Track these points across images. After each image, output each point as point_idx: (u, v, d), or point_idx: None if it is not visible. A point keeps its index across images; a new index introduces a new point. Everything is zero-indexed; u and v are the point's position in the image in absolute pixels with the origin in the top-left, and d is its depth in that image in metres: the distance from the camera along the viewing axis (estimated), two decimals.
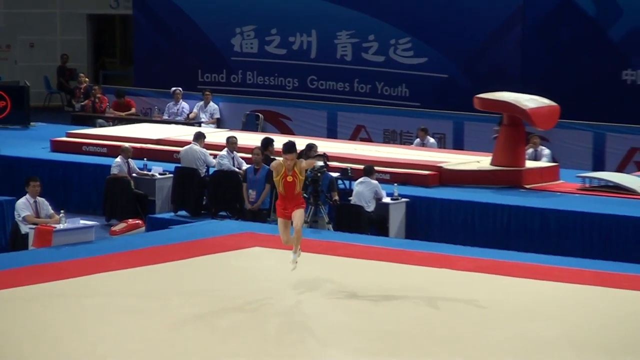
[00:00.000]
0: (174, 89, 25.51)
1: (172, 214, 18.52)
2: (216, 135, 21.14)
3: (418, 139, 22.13)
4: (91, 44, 32.27)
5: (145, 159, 19.84)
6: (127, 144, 19.70)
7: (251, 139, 20.22)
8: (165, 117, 25.22)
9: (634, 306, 12.74)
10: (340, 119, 25.28)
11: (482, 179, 18.99)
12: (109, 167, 19.25)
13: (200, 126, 23.69)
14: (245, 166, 18.55)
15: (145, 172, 19.46)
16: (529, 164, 19.57)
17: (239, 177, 18.34)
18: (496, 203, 17.72)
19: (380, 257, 14.68)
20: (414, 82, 25.54)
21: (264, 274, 13.73)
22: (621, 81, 23.73)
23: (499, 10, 24.53)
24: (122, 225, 18.03)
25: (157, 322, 11.89)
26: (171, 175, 19.12)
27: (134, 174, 19.23)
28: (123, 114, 25.33)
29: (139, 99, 26.77)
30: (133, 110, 25.72)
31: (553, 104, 19.35)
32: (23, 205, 16.19)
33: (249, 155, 18.52)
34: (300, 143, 19.49)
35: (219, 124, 25.06)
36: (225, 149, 18.86)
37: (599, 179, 19.12)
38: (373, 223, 17.53)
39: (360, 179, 17.71)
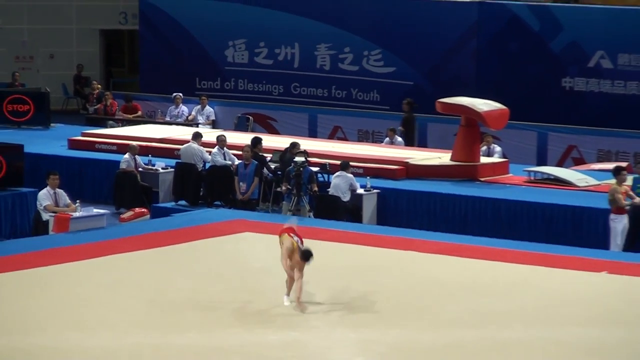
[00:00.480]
0: (174, 94, 25.44)
1: (174, 203, 18.47)
2: (212, 135, 21.05)
3: (387, 138, 22.09)
4: (103, 55, 32.19)
5: (150, 155, 19.77)
6: (134, 143, 19.63)
7: (242, 138, 20.18)
8: (167, 119, 25.14)
9: (573, 284, 12.77)
10: (320, 120, 25.25)
11: (443, 173, 18.98)
12: (118, 162, 19.19)
13: (197, 127, 23.59)
14: (236, 161, 18.52)
15: (150, 167, 19.40)
16: (483, 159, 19.56)
17: (231, 171, 18.33)
18: (455, 194, 17.72)
19: (355, 241, 14.67)
20: (384, 88, 25.54)
21: (253, 256, 13.71)
22: (561, 87, 23.77)
23: (457, 27, 24.58)
24: (130, 213, 17.96)
25: (161, 297, 11.86)
26: (172, 169, 19.07)
27: (140, 169, 19.17)
28: (131, 116, 25.23)
29: (144, 103, 26.67)
30: (139, 113, 25.64)
31: (503, 107, 19.36)
32: (44, 196, 16.15)
33: (240, 152, 18.48)
34: (285, 142, 19.51)
35: (214, 125, 24.98)
36: (217, 146, 18.84)
37: (542, 173, 19.15)
38: (348, 211, 17.52)
39: (337, 173, 17.69)
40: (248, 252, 13.99)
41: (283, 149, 18.66)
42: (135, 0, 28.93)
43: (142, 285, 12.36)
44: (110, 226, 16.06)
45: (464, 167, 19.00)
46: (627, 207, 15.84)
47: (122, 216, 17.98)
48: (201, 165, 18.86)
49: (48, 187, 16.18)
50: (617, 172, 16.14)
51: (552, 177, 18.77)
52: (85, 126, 24.02)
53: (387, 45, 25.51)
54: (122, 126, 23.92)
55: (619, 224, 15.79)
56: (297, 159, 17.33)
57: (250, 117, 25.70)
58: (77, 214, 15.70)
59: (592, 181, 18.47)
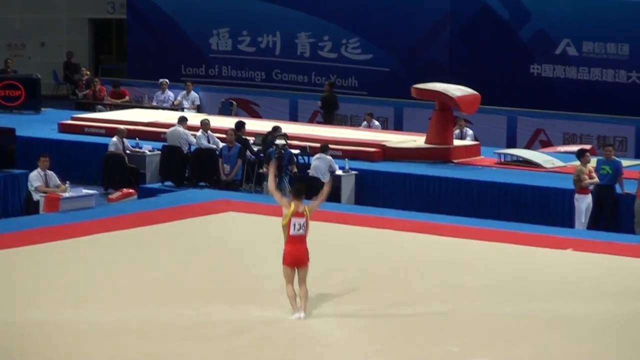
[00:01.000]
0: (161, 80, 25.32)
1: (160, 184, 18.41)
2: (196, 119, 20.94)
3: (365, 122, 22.07)
4: (92, 43, 32.02)
5: (137, 138, 19.69)
6: (122, 126, 19.54)
7: (226, 122, 20.12)
8: (154, 103, 25.02)
9: (539, 260, 12.80)
10: (300, 105, 25.20)
11: (418, 155, 18.97)
12: (106, 145, 19.10)
13: (183, 111, 23.48)
14: (220, 144, 18.47)
15: (137, 149, 19.33)
16: (456, 142, 19.56)
17: (216, 153, 18.28)
18: (429, 175, 17.72)
19: (334, 220, 14.64)
20: (361, 74, 25.51)
21: (237, 234, 13.67)
22: (529, 74, 23.82)
23: (431, 16, 24.57)
24: (118, 193, 17.88)
25: (147, 272, 11.82)
26: (159, 152, 19.00)
27: (127, 151, 19.08)
28: (118, 101, 25.11)
29: (132, 88, 26.53)
30: (127, 98, 25.52)
31: (475, 92, 19.35)
32: (35, 177, 16.09)
33: (224, 136, 18.43)
34: (267, 125, 19.45)
35: (199, 109, 24.87)
36: (201, 130, 18.79)
37: (512, 155, 19.18)
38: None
39: (317, 155, 17.66)
40: (232, 230, 13.94)
41: (265, 133, 18.61)
42: None
43: (129, 262, 12.30)
44: (98, 206, 15.98)
45: (438, 150, 19.00)
46: (591, 187, 15.88)
47: (111, 196, 17.89)
48: (186, 148, 18.80)
49: (39, 169, 16.11)
50: (581, 155, 16.17)
51: (520, 159, 18.80)
52: (74, 111, 23.90)
53: (365, 34, 25.49)
54: (110, 111, 23.81)
55: (583, 204, 15.83)
56: (277, 141, 17.30)
57: (234, 102, 25.63)
58: (66, 195, 15.63)
59: (558, 163, 18.52)
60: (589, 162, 16.14)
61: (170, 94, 25.10)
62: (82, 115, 22.17)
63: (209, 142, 18.69)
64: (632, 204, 15.98)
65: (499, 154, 19.21)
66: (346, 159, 18.20)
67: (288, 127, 19.43)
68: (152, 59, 27.62)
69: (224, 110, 25.12)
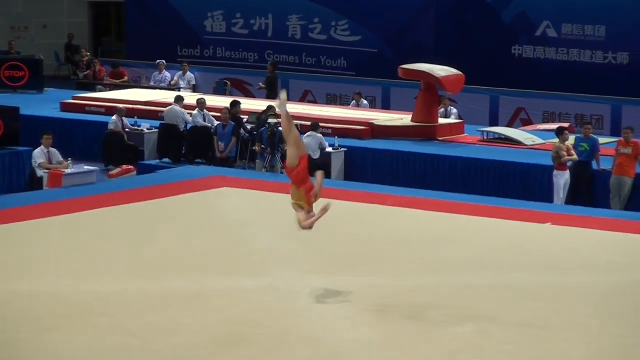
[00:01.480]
0: (158, 61, 25.22)
1: (158, 161, 18.38)
2: (192, 99, 20.89)
3: (354, 101, 22.03)
4: (92, 25, 31.85)
5: (135, 117, 19.66)
6: (121, 106, 19.50)
7: (221, 102, 20.08)
8: (152, 84, 24.94)
9: (520, 233, 12.80)
10: (292, 85, 25.11)
11: (405, 133, 18.94)
12: (107, 124, 19.05)
13: (179, 91, 23.39)
14: (215, 123, 18.44)
15: (136, 128, 19.29)
16: (441, 120, 19.54)
17: (211, 131, 18.24)
18: (415, 152, 17.71)
19: (324, 195, 14.54)
20: (350, 55, 25.45)
21: (231, 208, 13.64)
22: (511, 55, 23.80)
23: None
24: (117, 170, 17.84)
25: (147, 244, 11.79)
26: (157, 130, 18.97)
27: (126, 129, 19.04)
28: (118, 81, 25.03)
29: (130, 69, 26.44)
30: (126, 78, 25.44)
31: (459, 73, 19.30)
32: (38, 154, 16.05)
33: (219, 114, 18.40)
34: (261, 105, 19.39)
35: (195, 89, 24.80)
36: (197, 109, 18.74)
37: (494, 133, 19.16)
38: (318, 168, 17.37)
39: (308, 133, 17.63)
40: (226, 205, 13.91)
41: (259, 112, 18.57)
42: None
43: (129, 235, 12.27)
44: (99, 182, 15.97)
45: (424, 128, 18.97)
46: (569, 164, 15.88)
47: (111, 173, 17.86)
48: (183, 126, 18.77)
49: (42, 146, 16.08)
50: (560, 132, 16.16)
51: (502, 137, 18.79)
52: (76, 90, 23.83)
53: (353, 16, 25.41)
54: (109, 90, 23.72)
55: (562, 179, 15.84)
56: (270, 120, 17.26)
57: (228, 82, 25.55)
58: (69, 171, 15.62)
59: (538, 140, 18.51)
60: (567, 139, 16.13)
61: (167, 74, 25.01)
62: (83, 95, 22.10)
63: (204, 120, 18.66)
64: (608, 180, 16.00)
65: (482, 132, 19.19)
66: (336, 137, 18.17)
67: None
68: (150, 41, 27.51)
69: (219, 90, 25.06)
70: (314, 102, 24.23)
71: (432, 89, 19.18)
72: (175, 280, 10.55)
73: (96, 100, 21.44)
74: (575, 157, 15.92)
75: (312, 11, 25.86)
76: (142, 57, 27.18)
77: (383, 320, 9.45)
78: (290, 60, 26.29)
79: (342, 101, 24.09)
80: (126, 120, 19.14)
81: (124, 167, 17.93)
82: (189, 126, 18.78)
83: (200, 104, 18.84)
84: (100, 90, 23.83)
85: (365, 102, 22.21)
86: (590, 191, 16.22)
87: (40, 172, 15.92)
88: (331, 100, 24.39)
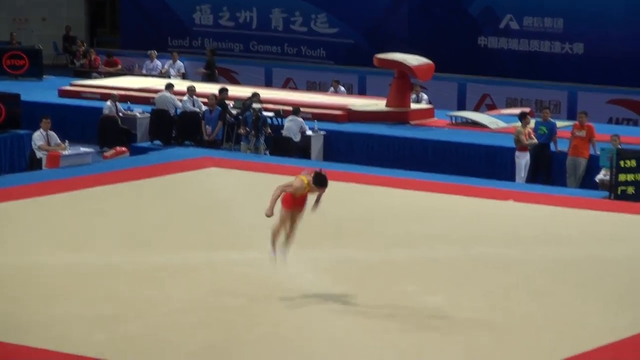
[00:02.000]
0: (150, 51, 25.05)
1: (150, 143, 18.29)
2: (182, 86, 20.78)
3: (332, 88, 21.97)
4: (88, 17, 31.59)
5: (128, 102, 19.52)
6: (115, 92, 19.36)
7: (208, 88, 19.97)
8: (144, 72, 24.77)
9: (485, 209, 12.80)
10: (274, 73, 25.04)
11: (379, 117, 18.90)
12: (101, 109, 18.92)
13: (170, 79, 23.25)
14: (203, 108, 18.35)
15: (129, 112, 19.16)
16: (413, 106, 19.50)
17: (199, 116, 18.18)
18: (389, 135, 17.68)
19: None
20: (329, 46, 25.37)
21: (219, 187, 13.57)
22: (477, 45, 23.81)
23: None
24: (112, 151, 17.69)
25: (139, 220, 11.72)
26: (148, 114, 18.87)
27: (120, 114, 18.91)
28: (112, 69, 24.83)
29: (124, 58, 26.25)
30: (119, 66, 25.26)
31: (430, 62, 19.25)
32: (38, 137, 15.92)
33: (207, 100, 18.33)
34: (247, 91, 19.29)
35: (184, 77, 24.66)
36: (187, 95, 18.67)
37: (462, 117, 19.15)
38: (299, 150, 17.41)
39: (290, 117, 17.56)
40: (214, 184, 13.83)
41: (244, 98, 18.52)
42: None
43: (123, 212, 12.18)
44: (95, 162, 15.87)
45: (397, 113, 18.94)
46: (529, 146, 15.90)
47: (105, 154, 17.72)
48: (173, 111, 18.68)
49: (41, 129, 15.95)
50: (522, 117, 16.18)
51: (469, 121, 18.78)
52: (72, 78, 23.62)
53: (332, 10, 25.34)
54: (104, 78, 23.56)
55: (522, 160, 15.86)
56: (254, 105, 17.20)
57: (215, 70, 25.41)
58: (66, 152, 15.52)
59: (501, 124, 18.52)
60: (529, 123, 16.15)
61: (158, 63, 24.84)
62: (79, 82, 21.94)
63: (193, 105, 18.59)
64: (564, 161, 16.04)
65: (451, 116, 19.18)
66: (315, 121, 18.11)
67: (263, 93, 19.29)
68: (142, 32, 27.32)
69: (206, 78, 24.90)
70: (295, 88, 24.13)
71: (404, 77, 19.13)
72: (166, 253, 10.49)
73: (91, 87, 21.30)
74: (534, 140, 15.93)
75: (293, 5, 25.75)
76: (134, 47, 26.99)
77: (359, 291, 9.42)
78: (273, 50, 26.18)
79: (321, 88, 24.02)
80: (120, 106, 19.01)
81: (118, 149, 17.80)
82: (178, 111, 18.68)
83: (191, 90, 18.80)
84: (96, 78, 23.64)
85: (342, 88, 22.14)
86: (549, 171, 16.26)
87: (39, 154, 15.78)
88: (311, 87, 24.31)
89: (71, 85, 21.54)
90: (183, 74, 24.76)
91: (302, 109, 18.02)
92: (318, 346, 8.07)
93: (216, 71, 23.74)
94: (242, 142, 17.37)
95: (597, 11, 22.57)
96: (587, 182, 15.59)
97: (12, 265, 9.96)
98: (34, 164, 15.90)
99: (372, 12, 24.62)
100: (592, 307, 9.10)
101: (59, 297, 9.08)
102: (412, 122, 18.83)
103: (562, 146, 16.20)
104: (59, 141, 15.92)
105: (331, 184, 14.05)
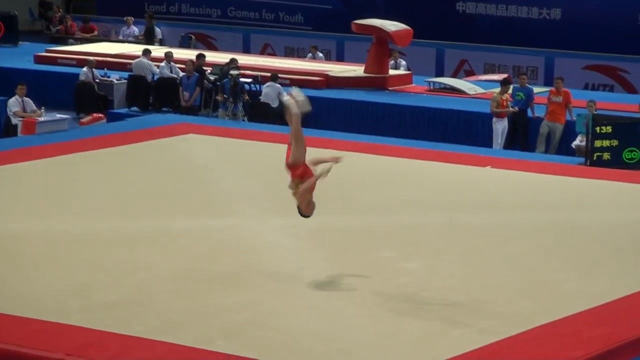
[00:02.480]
0: (126, 17, 24.78)
1: (126, 109, 18.17)
2: (159, 52, 20.61)
3: (310, 54, 21.85)
4: None
5: (105, 68, 19.40)
6: (91, 58, 19.19)
7: (185, 54, 19.82)
8: (120, 37, 24.54)
9: (463, 175, 12.81)
10: (252, 39, 24.85)
11: (358, 83, 18.85)
12: (78, 75, 18.76)
13: (146, 44, 23.04)
14: (181, 74, 18.23)
15: (105, 78, 19.02)
16: (391, 72, 19.45)
17: (177, 82, 18.05)
18: (368, 101, 17.63)
19: (283, 141, 14.41)
20: (307, 11, 25.19)
21: (197, 153, 13.49)
22: (455, 11, 23.72)
23: None
24: (88, 118, 17.57)
25: (116, 187, 11.64)
26: (125, 80, 18.72)
27: (97, 80, 18.77)
28: (88, 35, 24.60)
29: (100, 24, 26.00)
30: (96, 32, 25.02)
31: (408, 27, 19.17)
32: (13, 103, 15.76)
33: (184, 66, 18.20)
34: (223, 57, 19.14)
35: (161, 42, 24.43)
36: (164, 61, 18.52)
37: (440, 83, 19.13)
38: (277, 116, 17.31)
39: (268, 83, 17.48)
40: (192, 150, 13.74)
41: (222, 64, 18.42)
42: None
43: (100, 179, 12.08)
44: (71, 129, 15.73)
45: (375, 78, 18.88)
46: (506, 113, 15.89)
47: (82, 120, 17.58)
48: (150, 77, 18.55)
49: (17, 96, 15.80)
50: (504, 83, 16.19)
51: (447, 87, 18.76)
52: (48, 44, 23.40)
53: None
54: (80, 44, 23.32)
55: (500, 126, 15.87)
56: (232, 72, 17.11)
57: (193, 36, 25.18)
58: (42, 119, 15.39)
59: (479, 90, 18.52)
60: (507, 91, 16.13)
61: (134, 28, 24.61)
62: (55, 48, 21.75)
63: (171, 72, 18.48)
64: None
65: (429, 82, 19.15)
66: (293, 87, 17.98)
67: (241, 59, 19.19)
68: None
69: (184, 44, 24.70)
70: (273, 54, 23.99)
71: (383, 43, 19.04)
72: (144, 220, 10.41)
73: (68, 53, 21.11)
74: (509, 109, 15.92)
75: None
76: (111, 12, 26.70)
77: (337, 256, 9.41)
78: (251, 16, 25.95)
79: (299, 54, 23.87)
80: (96, 72, 18.86)
81: (95, 115, 17.66)
82: (155, 77, 18.54)
83: (168, 56, 18.68)
84: (72, 44, 23.40)
85: (320, 54, 22.03)
86: (526, 136, 16.28)
87: (15, 120, 15.61)
88: (289, 53, 24.15)
89: (47, 51, 21.32)
90: (160, 39, 24.54)
91: (280, 75, 17.93)
92: (296, 312, 8.06)
93: (157, 38, 23.43)
94: (219, 109, 17.30)
95: None
96: (564, 148, 15.62)
97: None
98: (10, 130, 15.74)
99: None
100: (568, 274, 9.13)
101: (34, 265, 9.01)
102: (390, 88, 18.78)
103: (539, 112, 16.21)
104: (34, 108, 15.76)
105: (309, 150, 14.03)
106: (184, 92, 17.77)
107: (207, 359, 7.17)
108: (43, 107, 15.82)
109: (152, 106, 18.19)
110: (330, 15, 24.68)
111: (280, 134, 14.93)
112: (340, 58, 23.39)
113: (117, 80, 18.99)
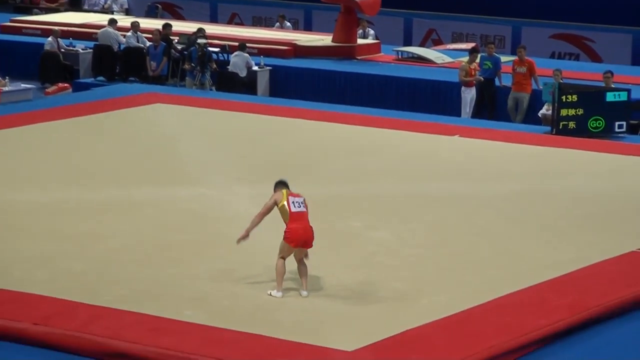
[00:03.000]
0: None
1: (92, 79, 17.93)
2: (125, 21, 20.34)
3: (278, 23, 21.67)
4: None
5: (70, 38, 19.08)
6: (56, 28, 18.89)
7: (152, 24, 19.57)
8: (86, 7, 24.19)
9: (431, 145, 12.81)
10: (220, 9, 24.57)
11: (326, 52, 18.71)
12: (43, 44, 18.45)
13: (112, 14, 22.72)
14: (148, 43, 18.00)
15: (71, 48, 18.74)
16: (359, 41, 19.32)
17: (143, 51, 17.84)
18: (336, 70, 17.53)
19: (251, 110, 14.41)
20: None
21: (164, 123, 13.37)
22: None
23: None
24: (54, 87, 17.32)
25: (82, 157, 11.53)
26: (91, 50, 18.47)
27: (62, 50, 18.48)
28: (53, 5, 24.22)
29: None
30: (61, 1, 24.60)
31: None
32: None
33: (151, 36, 17.98)
34: (192, 27, 18.94)
35: (127, 12, 24.11)
36: (131, 30, 18.29)
37: (408, 52, 19.05)
38: (245, 85, 17.21)
39: (236, 53, 17.33)
40: (159, 120, 13.63)
41: (189, 33, 18.22)
42: None
43: (66, 148, 11.95)
44: (36, 99, 15.52)
45: (343, 48, 18.77)
46: (474, 81, 15.89)
47: (47, 90, 17.33)
48: (116, 47, 18.30)
49: None
50: (472, 52, 16.17)
51: (415, 56, 18.70)
52: (13, 14, 23.03)
53: None
54: (45, 14, 22.96)
55: (468, 95, 15.86)
56: (199, 40, 16.93)
57: (159, 6, 24.85)
58: (6, 88, 15.18)
59: (447, 59, 18.47)
60: (475, 60, 16.12)
61: None
62: (20, 18, 21.40)
63: (137, 41, 18.25)
64: (508, 95, 16.08)
65: (397, 51, 19.07)
66: (261, 56, 17.89)
67: (209, 28, 18.99)
68: None
69: (150, 13, 24.37)
70: (240, 24, 23.76)
71: (351, 12, 18.91)
72: (111, 190, 10.32)
73: (33, 23, 20.77)
74: (476, 77, 15.91)
75: None
76: None
77: None
78: None
79: (267, 23, 23.67)
80: (61, 41, 18.58)
81: (60, 85, 17.41)
82: (122, 47, 18.31)
83: (135, 26, 18.43)
84: (37, 14, 23.03)
85: (288, 24, 21.86)
86: (494, 105, 16.30)
87: None
88: (257, 22, 23.95)
89: (12, 21, 20.97)
90: (126, 9, 24.22)
91: (248, 45, 17.77)
92: (265, 283, 8.04)
93: (123, 8, 23.14)
94: (187, 78, 17.14)
95: None
96: (531, 117, 15.67)
97: None
98: None
99: None
100: (535, 242, 9.19)
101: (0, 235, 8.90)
102: (359, 58, 18.68)
103: (506, 81, 16.23)
104: None
105: (277, 119, 13.99)
106: (151, 62, 17.57)
107: (175, 329, 7.14)
108: (7, 77, 15.58)
109: (118, 76, 17.97)
110: None
111: (248, 104, 14.87)
112: (308, 27, 23.23)
113: (82, 49, 18.72)
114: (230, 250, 8.61)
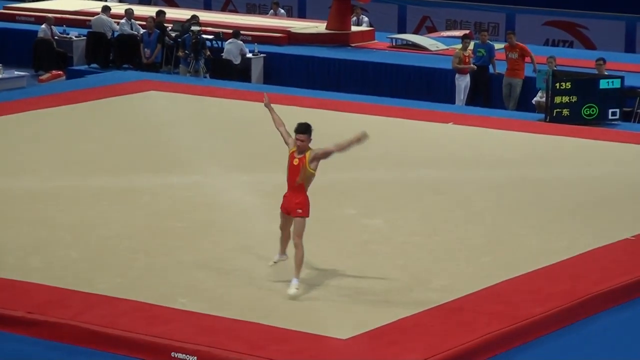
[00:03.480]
0: None
1: (86, 66, 17.88)
2: (119, 8, 20.26)
3: (272, 10, 21.61)
4: None
5: (64, 25, 19.05)
6: (50, 15, 18.84)
7: (146, 11, 19.51)
8: None
9: (425, 132, 12.78)
10: None
11: (320, 40, 18.68)
12: (36, 32, 18.41)
13: (106, 1, 22.60)
14: (141, 31, 17.96)
15: (64, 35, 18.68)
16: (354, 28, 19.30)
17: (137, 39, 17.79)
18: (330, 57, 17.51)
19: (245, 97, 14.36)
20: None
21: (156, 110, 13.33)
22: None
23: None
24: (47, 75, 17.27)
25: (77, 145, 11.49)
26: (85, 37, 18.41)
27: (56, 37, 18.43)
28: None
29: None
30: None
31: None
32: None
33: (144, 23, 17.93)
34: (186, 14, 18.87)
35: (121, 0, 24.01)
36: (125, 18, 18.23)
37: (403, 39, 19.03)
38: (239, 73, 17.18)
39: (230, 40, 17.29)
40: (153, 107, 13.58)
41: (183, 20, 18.17)
42: None
43: (61, 136, 11.91)
44: (30, 86, 15.46)
45: (338, 35, 18.74)
46: (469, 70, 15.86)
47: (41, 77, 17.28)
48: (110, 34, 18.24)
49: None
50: (465, 38, 16.13)
51: (410, 43, 18.68)
52: (6, 1, 22.86)
53: None
54: (39, 1, 22.83)
55: (462, 82, 15.85)
56: (193, 28, 16.89)
57: None
58: (0, 76, 15.09)
59: (441, 46, 18.45)
60: (468, 47, 16.09)
61: None
62: (13, 5, 21.34)
63: (131, 29, 18.20)
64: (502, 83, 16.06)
65: (391, 38, 19.04)
66: (255, 44, 17.85)
67: (204, 15, 18.95)
68: None
69: (144, 0, 24.28)
70: (234, 11, 23.69)
71: None
72: (105, 177, 10.29)
73: (26, 10, 20.70)
74: (470, 66, 15.88)
75: None
76: None
77: None
78: None
79: (261, 10, 23.61)
80: (55, 29, 18.52)
81: (54, 72, 17.37)
82: (116, 34, 18.25)
83: (129, 13, 18.39)
84: (30, 1, 22.91)
85: (282, 11, 21.80)
86: (488, 93, 16.29)
87: None
88: (251, 10, 23.89)
89: (5, 8, 20.90)
90: None
91: (242, 32, 17.73)
92: (260, 270, 8.03)
93: None
94: (181, 65, 17.12)
95: None
96: (524, 104, 15.66)
97: None
98: None
99: None
100: (528, 230, 9.18)
101: None
102: (353, 45, 18.65)
103: (500, 68, 16.21)
104: None
105: (272, 106, 13.91)
106: (145, 49, 17.53)
107: (170, 317, 7.12)
108: (1, 65, 15.53)
109: (112, 63, 17.93)
110: None
111: (242, 91, 14.82)
112: (302, 14, 23.17)
113: (76, 37, 18.67)
114: (225, 238, 8.59)
